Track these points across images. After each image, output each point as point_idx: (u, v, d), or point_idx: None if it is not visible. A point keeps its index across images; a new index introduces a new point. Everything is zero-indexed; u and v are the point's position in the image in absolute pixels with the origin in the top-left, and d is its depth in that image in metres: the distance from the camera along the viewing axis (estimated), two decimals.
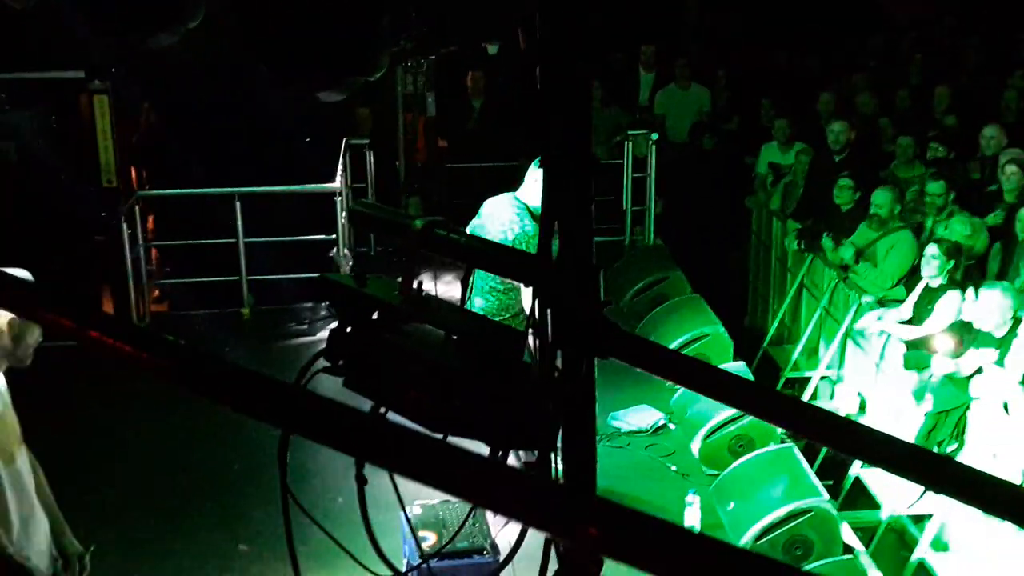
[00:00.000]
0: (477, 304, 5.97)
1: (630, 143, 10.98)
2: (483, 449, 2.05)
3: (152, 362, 1.42)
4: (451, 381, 2.03)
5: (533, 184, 6.03)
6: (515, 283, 5.85)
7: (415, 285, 2.15)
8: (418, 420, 2.18)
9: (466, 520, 4.04)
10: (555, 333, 1.89)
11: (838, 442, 1.68)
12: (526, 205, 6.03)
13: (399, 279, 2.21)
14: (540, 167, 5.97)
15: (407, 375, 2.09)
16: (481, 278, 5.99)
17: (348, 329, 2.25)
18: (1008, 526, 5.86)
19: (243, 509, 6.39)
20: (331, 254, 9.63)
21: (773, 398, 1.73)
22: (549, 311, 1.90)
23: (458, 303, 2.28)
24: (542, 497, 1.15)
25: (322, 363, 2.24)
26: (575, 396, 1.93)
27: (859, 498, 7.88)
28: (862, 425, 1.79)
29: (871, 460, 2.04)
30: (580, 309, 1.86)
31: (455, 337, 2.07)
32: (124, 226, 9.07)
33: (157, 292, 10.79)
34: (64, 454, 7.00)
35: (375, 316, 2.23)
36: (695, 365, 1.89)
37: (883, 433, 1.59)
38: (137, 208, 9.57)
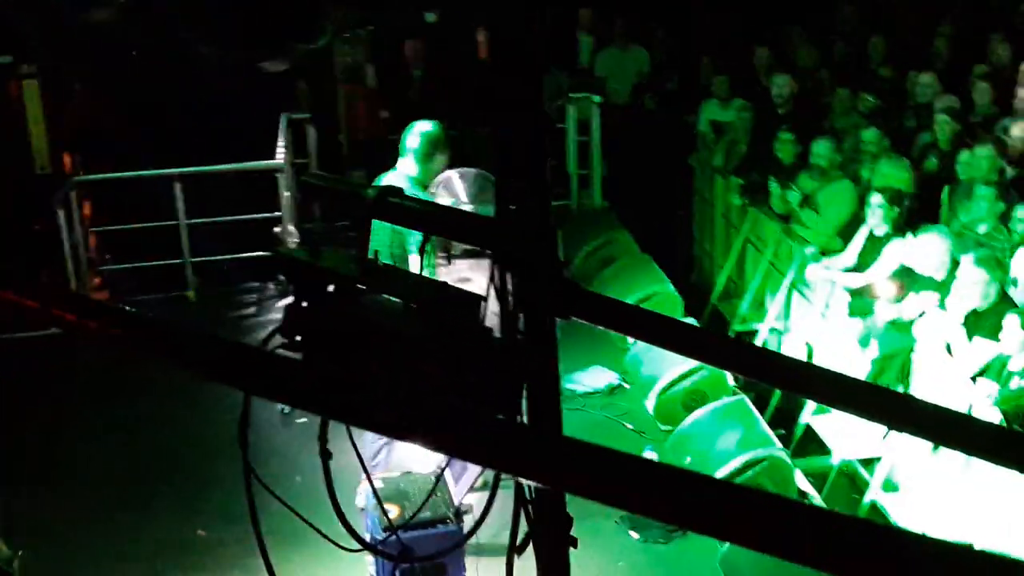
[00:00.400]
0: None
1: (573, 106, 10.97)
2: None
3: (113, 332, 1.40)
4: (412, 350, 2.02)
5: (410, 154, 5.99)
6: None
7: (371, 255, 2.14)
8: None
9: (433, 490, 4.05)
10: (516, 295, 1.89)
11: (796, 384, 1.70)
12: (413, 177, 5.94)
13: (353, 251, 2.19)
14: (413, 137, 5.98)
15: (368, 347, 2.08)
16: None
17: (304, 304, 2.23)
18: (955, 462, 5.99)
19: (201, 494, 6.35)
20: (276, 231, 9.54)
21: (732, 346, 1.76)
22: (509, 273, 1.90)
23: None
24: (512, 439, 1.15)
25: (279, 340, 2.22)
26: (538, 357, 1.93)
27: (809, 445, 8.00)
28: (819, 367, 1.82)
29: (829, 400, 2.07)
30: (539, 270, 1.86)
31: (414, 305, 2.06)
32: (60, 213, 8.91)
33: (98, 280, 10.62)
34: (23, 442, 6.91)
35: (331, 289, 2.22)
36: (655, 319, 1.90)
37: (839, 373, 1.61)
38: (73, 194, 9.40)
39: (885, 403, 1.77)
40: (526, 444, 1.16)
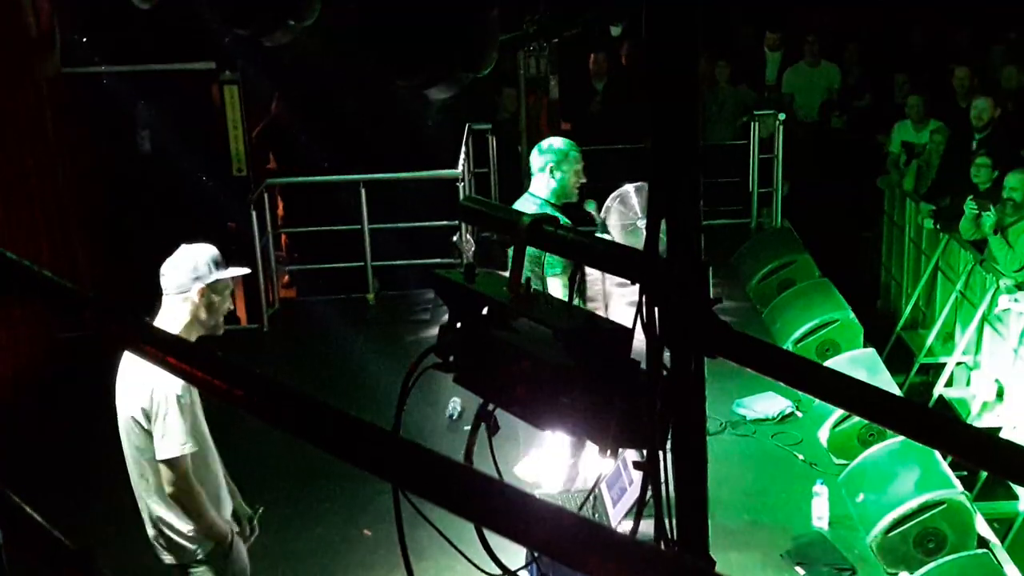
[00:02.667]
0: None
1: (756, 123, 10.77)
2: (592, 448, 2.03)
3: (245, 399, 1.43)
4: (559, 378, 2.00)
5: (539, 175, 5.85)
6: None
7: (523, 281, 2.14)
8: (526, 417, 2.17)
9: (581, 507, 4.01)
10: (663, 331, 1.85)
11: (956, 449, 1.60)
12: (542, 199, 5.81)
13: (507, 274, 2.19)
14: (537, 156, 5.88)
15: (515, 372, 2.08)
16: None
17: (458, 325, 2.25)
18: None
19: (368, 494, 6.46)
20: (454, 240, 9.70)
21: (888, 402, 1.66)
22: (657, 308, 1.86)
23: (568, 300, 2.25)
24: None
25: (432, 359, 2.24)
26: (684, 395, 1.88)
27: (997, 488, 7.60)
28: (984, 433, 1.70)
29: (1002, 473, 1.94)
30: (688, 306, 1.81)
31: (563, 334, 2.04)
32: (254, 213, 9.29)
33: (287, 278, 11.05)
34: None
35: (485, 312, 2.23)
36: (807, 366, 1.82)
37: (993, 437, 1.50)
38: (266, 195, 9.81)
39: None
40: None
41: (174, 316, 4.11)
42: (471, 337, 2.23)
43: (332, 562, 6.14)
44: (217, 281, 4.11)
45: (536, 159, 5.88)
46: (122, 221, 9.85)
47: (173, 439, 3.95)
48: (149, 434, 3.99)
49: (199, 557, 4.19)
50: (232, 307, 4.29)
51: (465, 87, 2.36)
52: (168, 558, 4.22)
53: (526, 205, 5.83)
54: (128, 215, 9.84)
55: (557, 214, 5.72)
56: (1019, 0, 11.89)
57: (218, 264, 4.13)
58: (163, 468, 3.99)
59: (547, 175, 5.82)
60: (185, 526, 4.13)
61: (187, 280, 4.08)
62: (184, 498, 4.03)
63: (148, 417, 3.97)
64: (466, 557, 2.30)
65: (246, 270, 4.33)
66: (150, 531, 4.22)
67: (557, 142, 5.93)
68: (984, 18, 11.99)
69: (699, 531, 2.00)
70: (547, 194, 5.84)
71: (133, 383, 4.00)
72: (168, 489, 4.01)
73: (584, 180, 6.01)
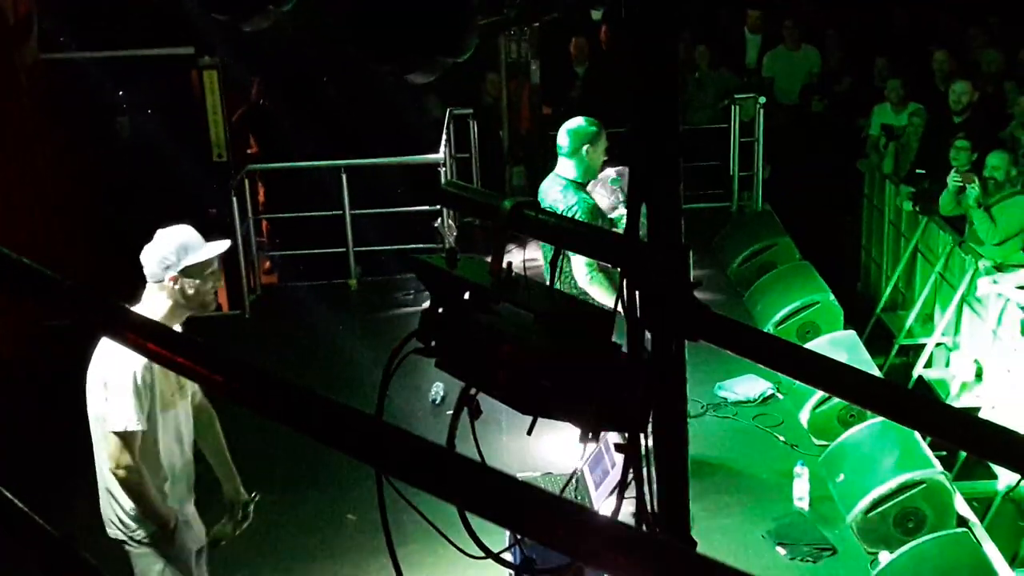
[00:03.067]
0: None
1: (737, 107, 10.78)
2: (571, 431, 2.04)
3: (226, 385, 1.44)
4: (540, 362, 2.01)
5: (567, 157, 5.89)
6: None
7: (504, 265, 2.14)
8: (508, 401, 2.18)
9: (563, 489, 4.03)
10: (644, 314, 1.86)
11: (935, 430, 1.62)
12: (567, 179, 5.86)
13: (489, 258, 2.20)
14: (571, 137, 5.87)
15: (497, 356, 2.09)
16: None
17: (439, 310, 2.26)
18: None
19: (355, 478, 6.45)
20: (435, 225, 9.69)
21: (868, 383, 1.68)
22: (638, 292, 1.87)
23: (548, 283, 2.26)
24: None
25: (415, 343, 2.25)
26: (665, 378, 1.90)
27: (976, 468, 7.67)
28: (964, 414, 1.72)
29: (980, 453, 1.96)
30: (669, 290, 1.83)
31: (544, 318, 2.05)
32: (235, 199, 9.26)
33: (268, 264, 11.02)
34: None
35: (466, 296, 2.23)
36: (787, 348, 1.84)
37: (972, 418, 1.52)
38: (247, 181, 9.78)
39: None
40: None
41: (156, 302, 4.14)
42: (453, 322, 2.24)
43: (317, 546, 6.16)
44: (189, 266, 4.10)
45: (567, 140, 5.88)
46: (102, 208, 9.81)
47: (122, 414, 4.00)
48: (106, 404, 4.05)
49: (139, 538, 4.23)
50: (221, 283, 4.29)
51: (445, 72, 2.36)
52: (112, 531, 4.28)
53: (554, 187, 5.90)
54: (108, 202, 9.79)
55: (584, 194, 5.77)
56: None
57: (187, 249, 4.12)
58: (111, 440, 4.04)
59: (578, 156, 5.83)
60: (127, 502, 4.17)
61: (158, 270, 4.10)
62: (123, 474, 4.05)
63: (106, 388, 4.02)
64: (449, 540, 2.32)
65: (224, 245, 4.25)
66: (101, 503, 4.28)
67: (588, 123, 5.95)
68: (964, 2, 12.04)
69: (680, 512, 2.02)
70: (574, 174, 5.87)
71: (101, 352, 4.05)
72: (109, 463, 4.07)
73: (606, 158, 6.02)
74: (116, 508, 4.22)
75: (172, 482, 4.31)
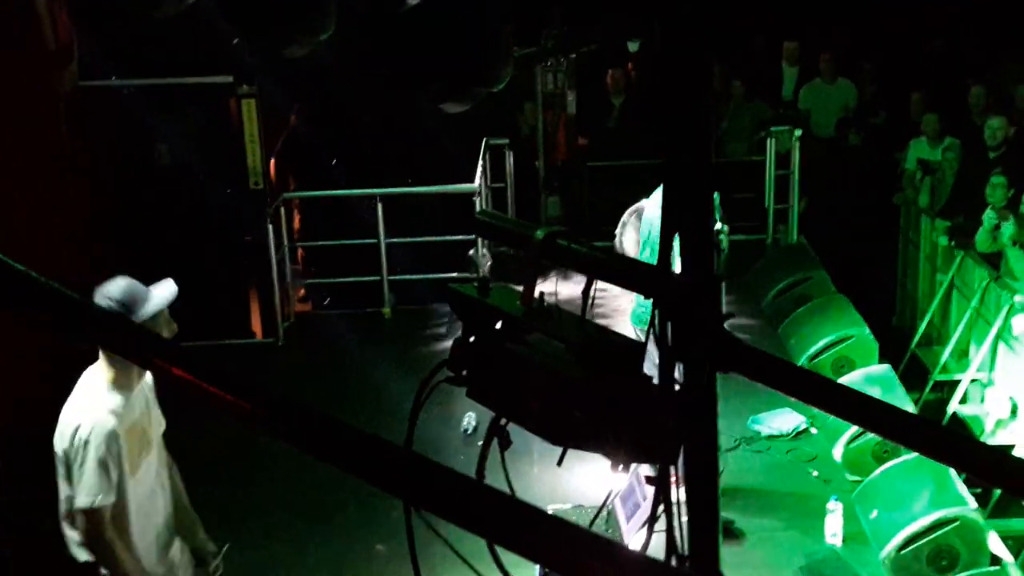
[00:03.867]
0: None
1: (773, 139, 10.76)
2: (604, 463, 2.03)
3: (255, 414, 1.44)
4: (572, 393, 2.01)
5: None
6: None
7: (537, 295, 2.15)
8: (538, 431, 2.18)
9: (593, 521, 4.00)
10: (676, 346, 1.86)
11: (970, 467, 1.60)
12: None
13: (521, 288, 2.20)
14: None
15: (528, 386, 2.09)
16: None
17: (471, 339, 2.26)
18: None
19: (385, 509, 6.46)
20: (470, 254, 9.72)
21: (901, 419, 1.66)
22: (669, 323, 1.87)
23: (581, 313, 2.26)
24: None
25: (445, 372, 2.25)
26: (696, 410, 1.89)
27: (1011, 506, 7.56)
28: (998, 451, 1.70)
29: (1016, 492, 1.94)
30: (700, 321, 1.82)
31: (576, 348, 2.05)
32: (270, 227, 9.33)
33: (302, 292, 11.08)
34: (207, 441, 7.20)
35: (498, 326, 2.24)
36: (820, 382, 1.83)
37: (1007, 456, 1.50)
38: (283, 209, 9.85)
39: None
40: None
41: (110, 359, 3.95)
42: (484, 351, 2.24)
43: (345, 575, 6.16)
44: (144, 320, 3.91)
45: None
46: (139, 235, 9.90)
47: (89, 489, 3.82)
48: (70, 476, 3.87)
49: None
50: (176, 328, 4.06)
51: (480, 102, 2.37)
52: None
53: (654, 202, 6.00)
54: (146, 229, 9.89)
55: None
56: None
57: (134, 304, 3.94)
58: (78, 515, 3.87)
59: None
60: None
61: None
62: (97, 547, 3.90)
63: (69, 460, 3.85)
64: (478, 573, 2.31)
65: (171, 289, 4.08)
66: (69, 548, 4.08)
67: None
68: (1000, 36, 11.96)
69: (710, 546, 2.01)
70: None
71: (63, 420, 3.89)
72: (80, 536, 3.90)
73: None
74: (82, 558, 4.00)
75: (156, 538, 4.15)
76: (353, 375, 8.56)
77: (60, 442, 3.86)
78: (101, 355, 3.98)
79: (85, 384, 3.96)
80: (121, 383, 3.94)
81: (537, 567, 3.72)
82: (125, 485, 3.93)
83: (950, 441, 1.80)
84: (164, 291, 4.06)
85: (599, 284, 2.12)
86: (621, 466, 2.02)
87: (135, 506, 4.02)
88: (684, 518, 2.01)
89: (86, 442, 3.79)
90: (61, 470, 3.90)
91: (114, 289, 3.98)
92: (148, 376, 4.09)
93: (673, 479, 1.97)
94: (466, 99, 2.27)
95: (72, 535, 3.97)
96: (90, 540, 3.89)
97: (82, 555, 3.99)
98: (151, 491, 4.13)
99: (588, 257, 2.06)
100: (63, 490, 3.93)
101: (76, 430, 3.81)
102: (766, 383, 1.82)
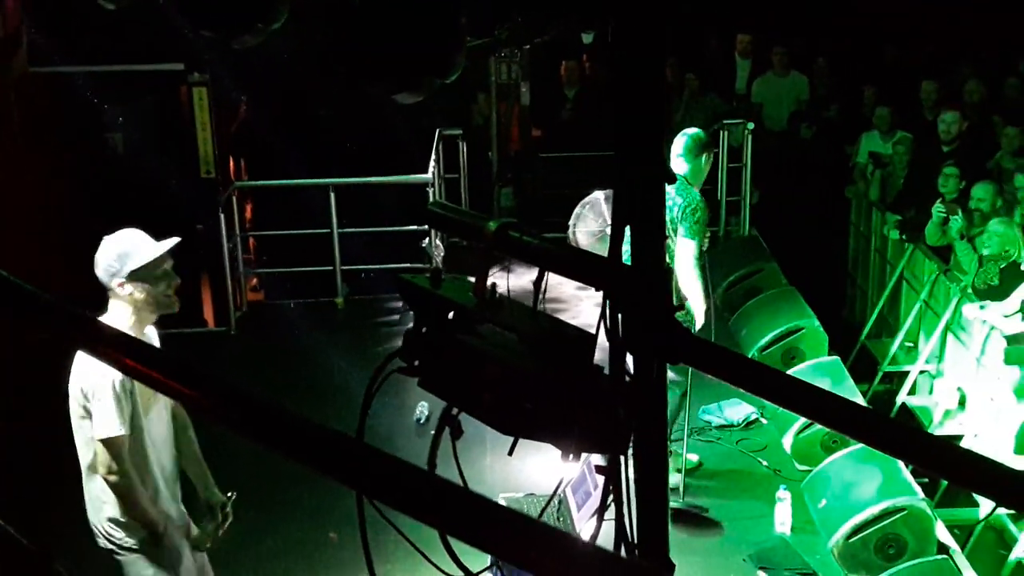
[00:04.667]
0: None
1: (726, 132, 10.84)
2: (554, 452, 2.05)
3: (208, 404, 1.44)
4: (523, 383, 2.02)
5: (698, 167, 6.44)
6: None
7: (488, 286, 2.15)
8: (490, 422, 2.18)
9: (544, 509, 4.00)
10: (626, 337, 1.87)
11: (917, 458, 1.63)
12: (681, 175, 6.32)
13: (473, 279, 2.21)
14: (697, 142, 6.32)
15: (479, 376, 2.09)
16: None
17: (423, 329, 2.27)
18: None
19: (337, 498, 6.43)
20: (423, 245, 9.70)
21: (848, 410, 1.69)
22: (620, 314, 1.88)
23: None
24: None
25: (397, 363, 2.25)
26: (646, 400, 1.90)
27: (958, 496, 7.69)
28: (943, 442, 1.74)
29: (960, 483, 1.97)
30: (650, 313, 1.84)
31: (528, 339, 2.06)
32: (222, 216, 9.26)
33: (255, 281, 11.01)
34: None
35: (450, 317, 2.24)
36: (768, 373, 1.85)
37: (953, 447, 1.53)
38: (235, 198, 9.78)
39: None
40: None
41: (116, 310, 4.15)
42: (436, 341, 2.24)
43: (297, 564, 6.14)
44: (134, 270, 4.09)
45: (676, 144, 6.47)
46: (89, 222, 9.77)
47: (106, 421, 4.00)
48: (88, 413, 4.04)
49: (128, 545, 4.22)
50: (179, 281, 4.25)
51: (433, 92, 2.37)
52: (101, 542, 4.26)
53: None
54: (95, 216, 9.76)
55: (694, 193, 6.35)
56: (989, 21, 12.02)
57: (129, 254, 4.11)
58: (98, 447, 4.04)
59: (686, 159, 6.40)
60: (115, 510, 4.17)
61: (106, 277, 4.11)
62: (114, 479, 4.06)
63: (86, 397, 4.02)
64: (430, 560, 2.32)
65: (170, 242, 4.23)
66: (88, 513, 4.27)
67: (694, 130, 6.60)
68: (952, 35, 12.09)
69: (659, 535, 2.03)
70: (686, 172, 6.39)
71: (79, 361, 4.04)
72: (100, 469, 4.07)
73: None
74: (103, 517, 4.21)
75: (165, 483, 4.32)
76: (305, 365, 8.52)
77: (78, 380, 4.02)
78: (110, 304, 4.14)
79: None
80: (134, 329, 4.12)
81: (488, 556, 3.73)
82: (140, 422, 4.12)
83: (895, 432, 1.82)
84: (162, 244, 4.20)
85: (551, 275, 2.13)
86: (572, 455, 2.04)
87: (150, 448, 4.20)
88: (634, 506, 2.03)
89: (104, 377, 3.96)
90: (78, 411, 4.06)
91: (114, 238, 4.18)
92: (154, 330, 4.31)
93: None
94: (419, 90, 2.27)
95: (93, 489, 4.16)
96: (110, 472, 4.04)
97: (104, 512, 4.16)
98: (164, 438, 4.31)
99: (539, 248, 2.06)
100: (83, 433, 4.10)
101: (94, 367, 3.95)
102: (715, 374, 1.84)
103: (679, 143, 6.47)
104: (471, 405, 2.16)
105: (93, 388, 4.00)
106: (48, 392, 4.62)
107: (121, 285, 4.09)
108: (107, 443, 4.03)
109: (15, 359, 8.38)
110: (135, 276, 4.10)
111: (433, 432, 2.22)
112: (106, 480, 4.09)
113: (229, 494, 4.63)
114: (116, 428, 4.02)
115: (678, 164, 6.42)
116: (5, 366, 8.45)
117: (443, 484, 1.42)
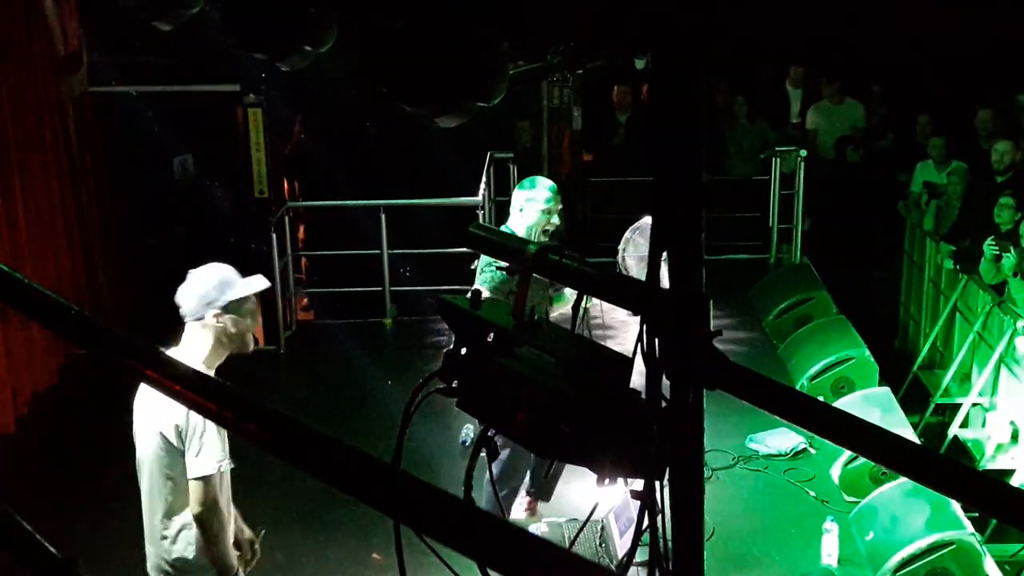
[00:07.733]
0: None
1: (779, 159, 10.78)
2: (590, 476, 2.04)
3: (242, 426, 1.46)
4: (560, 406, 2.02)
5: (516, 212, 5.88)
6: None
7: (527, 309, 2.16)
8: (526, 444, 2.19)
9: (578, 534, 4.00)
10: (663, 362, 1.86)
11: (965, 495, 1.60)
12: (512, 232, 5.75)
13: (512, 302, 2.21)
14: (522, 190, 5.85)
15: (517, 398, 2.10)
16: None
17: (462, 351, 2.27)
18: None
19: (382, 518, 6.45)
20: (472, 267, 9.72)
21: (890, 443, 1.66)
22: (657, 339, 1.87)
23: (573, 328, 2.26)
24: None
25: (437, 383, 2.26)
26: (682, 426, 1.89)
27: (1008, 531, 7.53)
28: (992, 479, 1.71)
29: (1010, 522, 1.94)
30: (688, 338, 1.83)
31: (565, 362, 2.06)
32: (274, 235, 9.36)
33: (305, 301, 11.10)
34: None
35: (490, 338, 2.25)
36: (806, 402, 1.83)
37: (1003, 485, 1.50)
38: (287, 218, 9.88)
39: None
40: None
41: (196, 342, 4.06)
42: (475, 363, 2.25)
43: None
44: (231, 302, 4.05)
45: (517, 195, 5.95)
46: (144, 242, 9.92)
47: (209, 456, 3.90)
48: (177, 452, 3.92)
49: None
50: (259, 322, 4.25)
51: (485, 116, 2.39)
52: None
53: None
54: (151, 236, 9.91)
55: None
56: None
57: (228, 284, 4.07)
58: (194, 487, 3.92)
59: (521, 214, 5.86)
60: (193, 551, 4.04)
61: (199, 306, 4.03)
62: (209, 519, 3.94)
63: (181, 434, 3.90)
64: None
65: (264, 283, 4.20)
66: (150, 553, 4.13)
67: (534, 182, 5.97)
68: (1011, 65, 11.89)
69: (695, 562, 2.01)
70: (517, 229, 5.83)
71: (165, 400, 3.98)
72: (196, 509, 3.93)
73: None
74: (174, 558, 4.06)
75: (228, 523, 4.19)
76: (353, 384, 8.57)
77: (171, 417, 3.89)
78: (188, 335, 4.07)
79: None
80: (207, 363, 4.05)
81: None
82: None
83: (943, 468, 1.79)
84: (256, 281, 4.18)
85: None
86: (607, 480, 2.03)
87: (225, 486, 4.10)
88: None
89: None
90: (162, 445, 3.93)
91: (211, 268, 4.12)
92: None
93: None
94: (460, 114, 2.29)
95: (171, 528, 4.01)
96: (207, 510, 3.92)
97: (177, 554, 4.04)
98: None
99: (578, 272, 2.06)
100: (164, 470, 3.96)
101: None
102: (753, 402, 1.82)
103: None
104: (507, 427, 2.16)
105: (195, 423, 3.88)
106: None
107: (217, 316, 4.02)
108: (205, 480, 3.91)
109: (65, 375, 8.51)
110: (230, 308, 4.04)
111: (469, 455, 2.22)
112: (200, 519, 3.94)
113: (260, 529, 4.54)
114: (221, 463, 3.92)
115: (516, 219, 5.96)
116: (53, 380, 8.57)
117: (472, 512, 1.43)
